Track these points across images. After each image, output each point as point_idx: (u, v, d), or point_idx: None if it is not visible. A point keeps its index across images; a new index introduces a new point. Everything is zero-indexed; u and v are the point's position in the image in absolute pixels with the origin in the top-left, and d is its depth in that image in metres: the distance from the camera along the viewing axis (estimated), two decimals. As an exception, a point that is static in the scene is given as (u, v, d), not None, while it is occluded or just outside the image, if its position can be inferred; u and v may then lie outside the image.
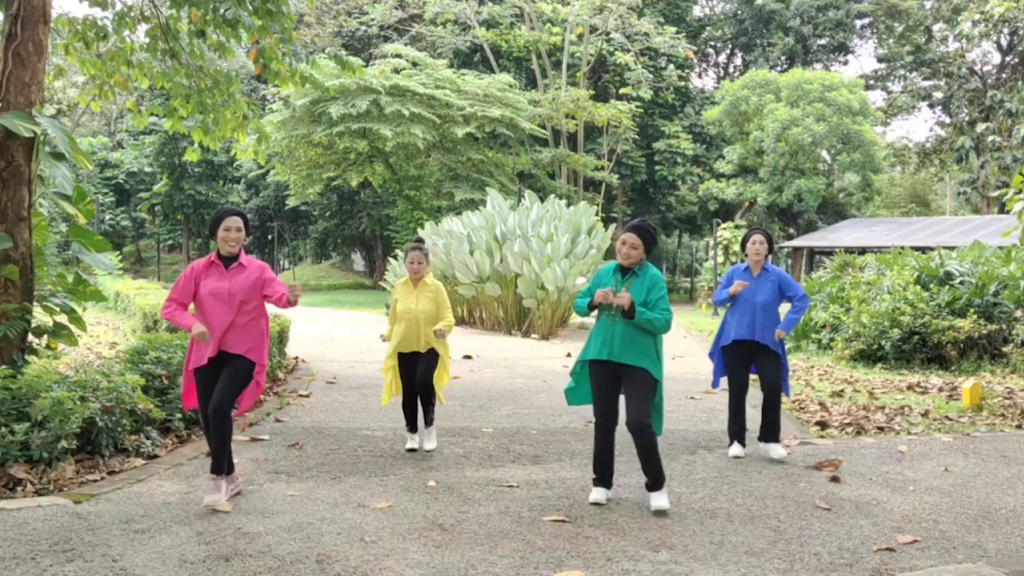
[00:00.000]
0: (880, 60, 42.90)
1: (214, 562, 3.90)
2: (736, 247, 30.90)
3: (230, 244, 4.88)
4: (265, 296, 4.98)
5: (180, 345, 7.18)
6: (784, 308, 6.33)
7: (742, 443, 6.35)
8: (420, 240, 6.53)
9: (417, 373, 6.17)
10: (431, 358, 6.17)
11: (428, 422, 6.31)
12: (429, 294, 6.19)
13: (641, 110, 33.28)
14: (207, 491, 4.80)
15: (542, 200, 19.02)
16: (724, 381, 6.61)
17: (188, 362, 4.97)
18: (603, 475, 5.05)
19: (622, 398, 5.04)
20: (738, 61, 44.56)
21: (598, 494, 5.03)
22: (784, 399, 8.73)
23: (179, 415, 6.43)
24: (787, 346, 13.91)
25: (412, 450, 6.25)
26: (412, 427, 6.33)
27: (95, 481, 5.23)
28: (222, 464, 4.84)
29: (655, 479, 4.91)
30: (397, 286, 6.36)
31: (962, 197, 41.57)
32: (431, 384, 6.17)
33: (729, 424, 6.41)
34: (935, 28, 38.86)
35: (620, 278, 4.98)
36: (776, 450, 6.22)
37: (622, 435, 6.62)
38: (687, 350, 13.87)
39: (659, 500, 4.87)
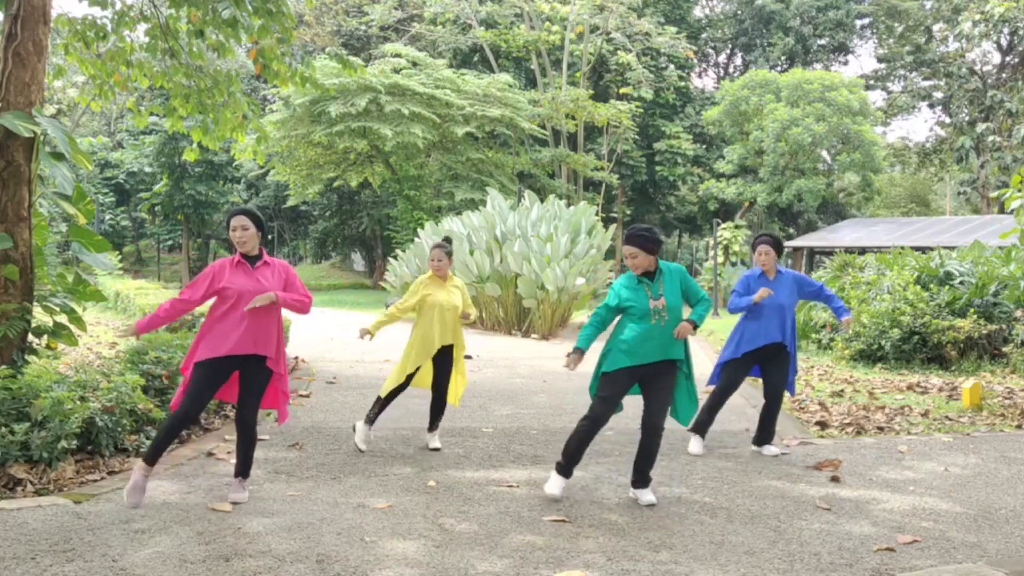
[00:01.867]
0: (880, 60, 42.91)
1: (214, 562, 3.90)
2: (736, 247, 30.92)
3: (242, 243, 4.87)
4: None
5: (180, 345, 7.18)
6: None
7: (703, 436, 6.36)
8: (448, 239, 6.62)
9: (434, 382, 6.37)
10: (448, 367, 6.34)
11: (435, 427, 6.44)
12: (457, 289, 6.41)
13: (641, 110, 33.27)
14: (233, 490, 4.93)
15: (542, 200, 19.02)
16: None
17: (194, 354, 4.86)
18: (573, 463, 5.09)
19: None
20: (738, 61, 44.57)
21: (558, 484, 5.04)
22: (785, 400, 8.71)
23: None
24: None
25: (437, 448, 6.33)
26: (373, 420, 6.38)
27: (95, 481, 5.23)
28: (248, 466, 5.01)
29: (646, 477, 5.07)
30: (423, 280, 6.36)
31: (962, 197, 41.58)
32: (446, 392, 6.38)
33: (701, 413, 6.31)
34: (935, 28, 38.87)
35: (649, 282, 4.99)
36: (770, 449, 6.34)
37: (623, 433, 6.61)
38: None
39: (649, 496, 5.02)
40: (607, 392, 5.00)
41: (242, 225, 4.86)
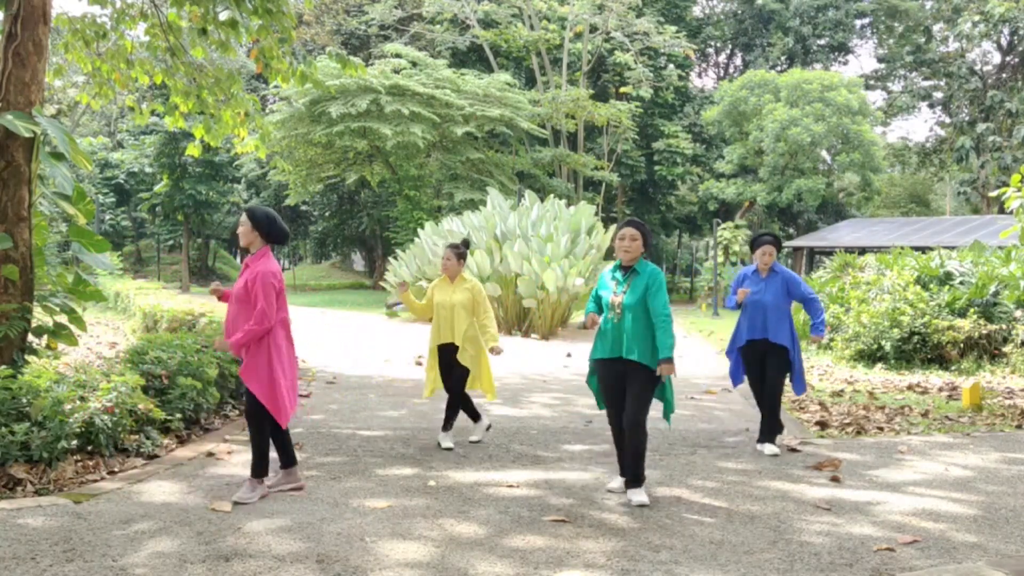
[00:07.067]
0: (880, 60, 42.94)
1: (214, 562, 3.90)
2: (736, 247, 30.95)
3: (240, 237, 5.08)
4: None
5: (180, 345, 7.17)
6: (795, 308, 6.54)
7: (772, 441, 6.43)
8: (466, 242, 6.74)
9: (452, 383, 6.44)
10: (452, 367, 6.41)
11: (447, 426, 6.51)
12: (467, 287, 6.49)
13: (641, 110, 33.27)
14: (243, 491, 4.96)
15: (542, 200, 19.02)
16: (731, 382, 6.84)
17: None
18: (627, 467, 5.15)
19: None
20: (738, 61, 44.62)
21: (619, 481, 5.21)
22: (786, 399, 8.71)
23: (179, 415, 6.42)
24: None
25: (449, 448, 6.36)
26: (448, 425, 6.53)
27: (95, 481, 5.23)
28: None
29: (636, 476, 5.05)
30: (435, 282, 6.66)
31: (962, 197, 41.56)
32: (458, 391, 6.45)
33: (763, 422, 6.47)
34: (935, 28, 38.88)
35: (621, 277, 5.10)
36: (769, 448, 6.40)
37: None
38: (687, 351, 13.87)
39: (640, 496, 4.98)
40: (605, 394, 5.18)
41: (241, 220, 5.09)
